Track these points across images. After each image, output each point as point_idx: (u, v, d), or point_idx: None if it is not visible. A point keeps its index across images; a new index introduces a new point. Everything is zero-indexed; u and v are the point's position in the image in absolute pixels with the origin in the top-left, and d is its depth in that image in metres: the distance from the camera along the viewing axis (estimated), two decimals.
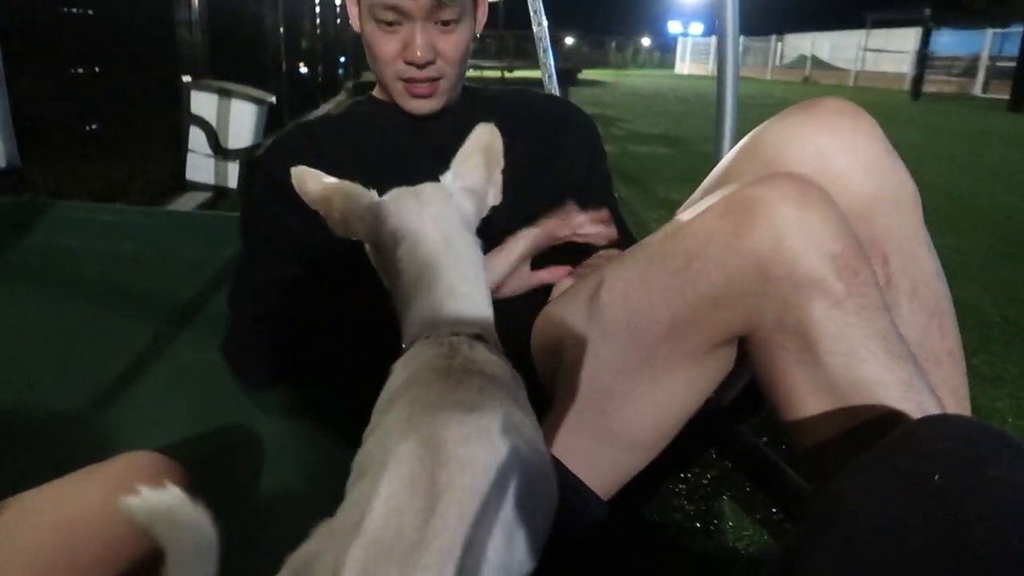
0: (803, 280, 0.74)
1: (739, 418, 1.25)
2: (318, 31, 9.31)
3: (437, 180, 0.93)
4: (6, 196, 1.85)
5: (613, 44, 41.44)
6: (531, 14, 1.93)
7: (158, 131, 4.34)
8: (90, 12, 3.72)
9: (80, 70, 3.68)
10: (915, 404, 0.72)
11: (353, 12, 1.09)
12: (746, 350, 0.83)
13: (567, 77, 12.73)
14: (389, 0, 1.00)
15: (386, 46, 1.04)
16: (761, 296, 0.76)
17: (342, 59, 11.52)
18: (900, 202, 0.90)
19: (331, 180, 0.75)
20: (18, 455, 1.02)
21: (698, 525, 1.28)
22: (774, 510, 1.29)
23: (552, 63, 1.94)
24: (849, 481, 0.59)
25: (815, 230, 0.74)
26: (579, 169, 1.22)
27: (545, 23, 1.96)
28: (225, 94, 4.20)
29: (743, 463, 1.32)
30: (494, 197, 0.79)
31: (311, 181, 0.75)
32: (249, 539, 0.89)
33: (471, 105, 1.17)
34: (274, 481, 1.00)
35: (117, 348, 1.27)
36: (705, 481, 1.38)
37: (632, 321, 0.84)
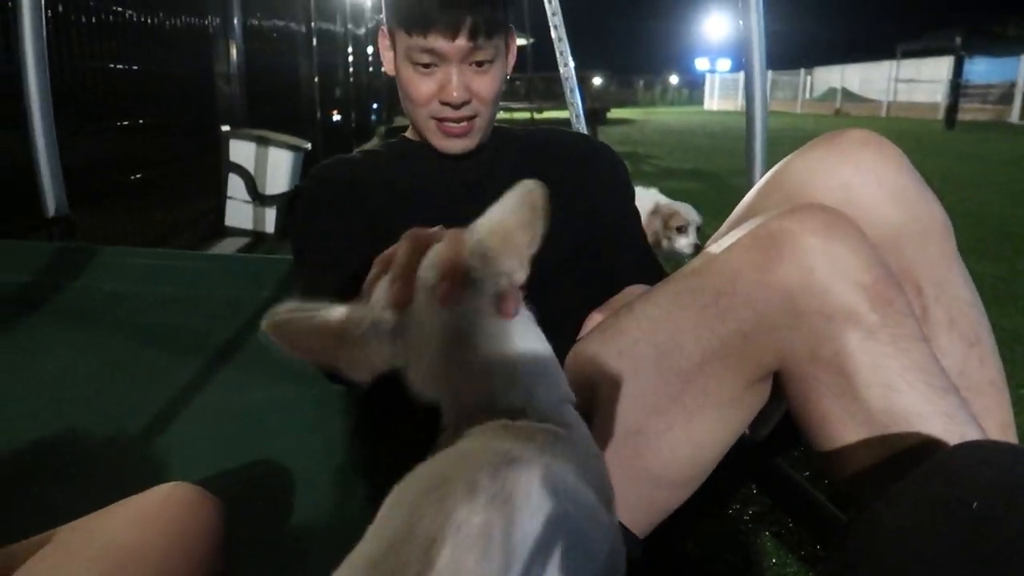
0: (835, 312, 0.73)
1: (775, 452, 1.23)
2: (351, 79, 9.56)
3: (468, 219, 0.93)
4: (56, 243, 1.92)
5: (641, 83, 41.86)
6: (558, 56, 1.97)
7: (199, 179, 4.48)
8: (135, 68, 3.88)
9: (125, 122, 3.83)
10: (959, 436, 0.71)
11: (388, 56, 1.12)
12: (780, 384, 0.82)
13: (596, 116, 12.85)
14: (426, 44, 1.02)
15: (422, 88, 1.06)
16: (792, 329, 0.75)
17: (374, 106, 11.80)
18: (930, 230, 0.89)
19: (327, 315, 0.63)
20: (62, 489, 1.04)
21: (741, 562, 1.25)
22: (818, 547, 1.26)
23: (580, 103, 1.97)
24: (884, 510, 0.58)
25: (844, 261, 0.74)
26: (610, 209, 1.22)
27: (572, 64, 1.99)
28: (263, 142, 4.32)
29: (784, 499, 1.29)
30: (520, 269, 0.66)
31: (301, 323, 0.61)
32: (282, 573, 0.90)
33: (500, 144, 1.20)
34: (309, 516, 1.01)
35: (160, 385, 1.30)
36: (747, 517, 1.35)
37: (662, 358, 0.84)
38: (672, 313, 0.84)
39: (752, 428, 1.01)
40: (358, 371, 0.64)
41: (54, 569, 0.68)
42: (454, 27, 1.00)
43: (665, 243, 2.73)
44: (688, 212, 2.72)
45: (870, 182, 0.88)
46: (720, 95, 31.93)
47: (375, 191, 1.12)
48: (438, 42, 1.02)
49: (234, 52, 4.83)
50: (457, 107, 1.07)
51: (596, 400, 0.89)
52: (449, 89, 1.05)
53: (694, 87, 42.03)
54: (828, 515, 1.18)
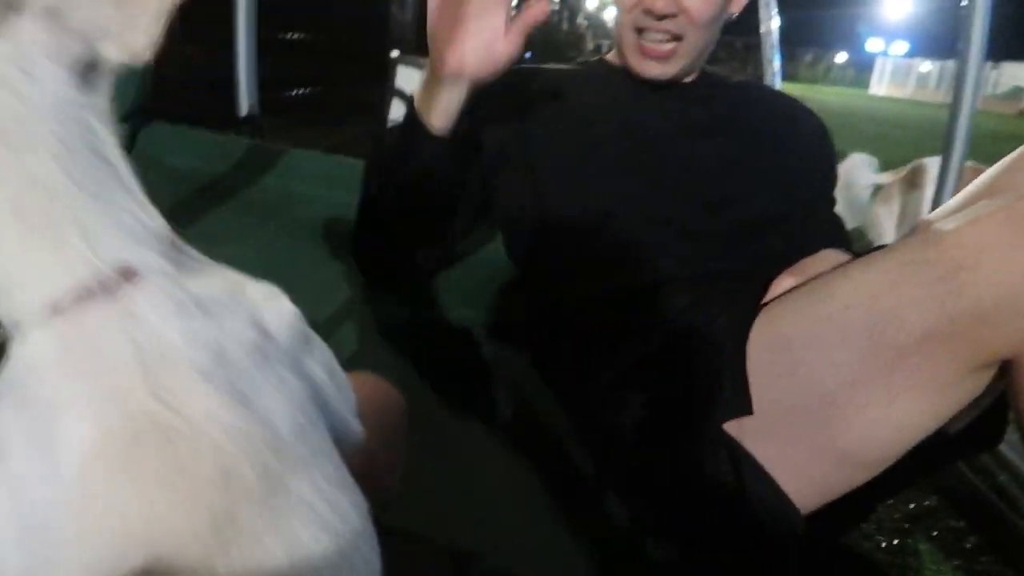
0: None
1: (965, 453, 1.14)
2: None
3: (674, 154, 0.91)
4: (244, 139, 2.03)
5: (808, 57, 39.49)
6: (762, 10, 1.85)
7: (362, 101, 4.61)
8: None
9: (295, 35, 3.93)
10: None
11: None
12: (1006, 375, 0.75)
13: None
14: None
15: None
16: None
17: None
18: None
19: None
20: None
21: (889, 558, 1.19)
22: (983, 558, 1.17)
23: (779, 64, 1.84)
24: None
25: None
26: (811, 176, 1.17)
27: (778, 22, 1.86)
28: None
29: (957, 499, 1.20)
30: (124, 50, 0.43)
31: None
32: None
33: (707, 86, 1.14)
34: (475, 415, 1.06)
35: (332, 284, 1.36)
36: (898, 515, 1.27)
37: (876, 328, 0.78)
38: (895, 283, 0.78)
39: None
40: None
41: None
42: None
43: None
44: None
45: None
46: (890, 80, 29.68)
47: (548, 114, 1.07)
48: None
49: None
50: (659, 18, 1.00)
51: (787, 363, 0.84)
52: None
53: (861, 68, 39.24)
54: (1010, 525, 1.08)
